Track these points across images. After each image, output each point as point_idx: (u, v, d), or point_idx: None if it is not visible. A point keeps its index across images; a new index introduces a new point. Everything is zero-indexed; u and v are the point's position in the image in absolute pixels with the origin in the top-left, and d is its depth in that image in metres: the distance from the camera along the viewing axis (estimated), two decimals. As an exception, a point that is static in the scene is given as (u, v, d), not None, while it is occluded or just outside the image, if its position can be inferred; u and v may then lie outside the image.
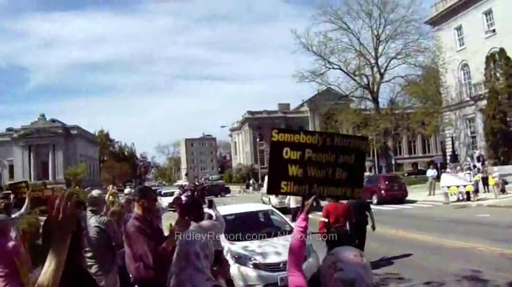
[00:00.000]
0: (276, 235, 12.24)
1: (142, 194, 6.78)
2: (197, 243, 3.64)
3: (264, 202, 32.93)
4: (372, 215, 15.18)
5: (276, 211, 14.46)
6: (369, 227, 14.86)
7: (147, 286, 6.16)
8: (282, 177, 3.70)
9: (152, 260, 5.97)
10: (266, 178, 28.46)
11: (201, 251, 3.61)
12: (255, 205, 16.11)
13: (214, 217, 8.33)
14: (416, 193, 41.28)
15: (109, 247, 7.66)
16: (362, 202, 14.95)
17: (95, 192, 8.75)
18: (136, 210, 6.75)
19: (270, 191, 3.97)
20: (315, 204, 3.87)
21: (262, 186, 43.56)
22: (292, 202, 23.79)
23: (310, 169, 3.76)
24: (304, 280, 3.43)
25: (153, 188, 29.98)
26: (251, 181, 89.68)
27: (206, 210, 8.76)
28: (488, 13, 56.85)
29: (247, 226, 12.20)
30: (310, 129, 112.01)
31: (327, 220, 12.89)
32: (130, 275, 6.73)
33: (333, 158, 3.80)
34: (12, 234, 8.28)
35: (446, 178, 35.78)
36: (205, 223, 7.25)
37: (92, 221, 7.77)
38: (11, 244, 7.24)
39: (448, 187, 34.44)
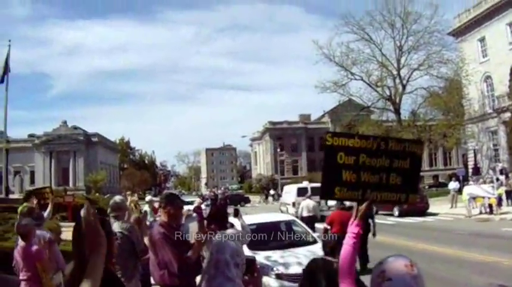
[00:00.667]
0: (298, 246, 12.19)
1: (169, 200, 6.74)
2: (228, 251, 3.60)
3: (282, 212, 32.70)
4: (375, 223, 16.62)
5: (299, 221, 14.39)
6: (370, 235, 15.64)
7: (171, 293, 6.11)
8: (335, 182, 3.59)
9: (177, 268, 5.91)
10: (285, 188, 29.11)
11: (231, 259, 3.58)
12: (277, 215, 16.08)
13: (238, 226, 8.30)
14: (437, 206, 40.99)
15: (132, 253, 7.59)
16: (345, 207, 15.19)
17: (118, 198, 8.71)
18: (162, 217, 6.72)
19: (323, 196, 3.82)
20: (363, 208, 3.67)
21: (281, 196, 42.80)
22: (304, 211, 23.59)
23: (364, 174, 3.67)
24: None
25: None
26: (271, 191, 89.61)
27: (230, 219, 8.72)
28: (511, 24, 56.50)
29: (269, 235, 12.10)
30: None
31: (329, 227, 13.26)
32: (153, 282, 6.67)
33: (387, 163, 3.71)
34: (46, 235, 8.31)
35: (471, 188, 35.53)
36: (230, 231, 7.20)
37: (115, 227, 7.73)
38: (34, 248, 7.25)
39: (474, 198, 34.19)
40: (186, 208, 8.67)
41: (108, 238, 3.84)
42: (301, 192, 38.02)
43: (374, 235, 15.99)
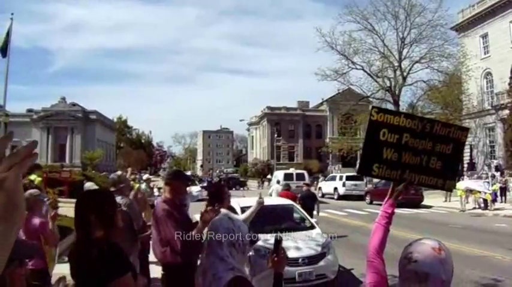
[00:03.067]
0: (296, 230, 12.21)
1: (174, 177, 6.72)
2: (221, 230, 3.59)
3: (270, 195, 33.27)
4: (318, 205, 19.12)
5: (297, 206, 14.41)
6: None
7: (173, 271, 6.10)
8: (375, 159, 3.57)
9: (180, 246, 5.90)
10: (274, 173, 31.02)
11: (225, 238, 3.56)
12: (277, 199, 16.05)
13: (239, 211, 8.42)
14: (432, 199, 41.02)
15: (131, 229, 7.56)
16: (310, 193, 19.96)
17: (118, 172, 8.74)
18: (166, 193, 6.61)
19: (361, 172, 3.79)
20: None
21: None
22: (274, 193, 24.04)
23: (406, 154, 3.63)
24: (384, 267, 3.30)
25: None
26: (268, 176, 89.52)
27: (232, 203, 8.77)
28: (515, 22, 56.48)
29: (267, 219, 12.08)
30: (328, 127, 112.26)
31: None
32: (153, 259, 6.67)
33: (429, 146, 3.65)
34: (44, 208, 8.29)
35: (467, 182, 35.65)
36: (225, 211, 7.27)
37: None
38: (38, 220, 7.24)
39: (471, 191, 34.30)
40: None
41: (111, 209, 3.99)
42: (288, 177, 42.62)
43: (317, 212, 18.98)
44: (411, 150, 3.63)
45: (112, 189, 8.06)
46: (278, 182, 28.44)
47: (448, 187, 3.86)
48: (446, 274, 2.51)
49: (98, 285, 3.45)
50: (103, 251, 3.56)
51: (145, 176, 20.82)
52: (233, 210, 8.27)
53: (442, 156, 3.71)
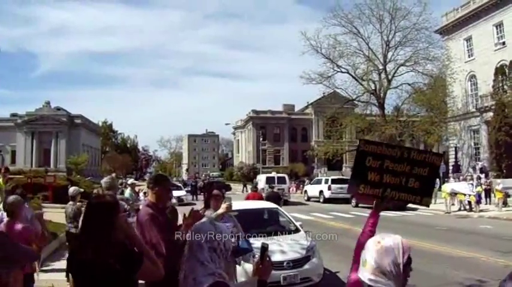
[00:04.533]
0: (281, 234, 12.24)
1: (157, 181, 6.75)
2: (202, 234, 3.61)
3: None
4: (281, 204, 19.47)
5: (282, 209, 14.43)
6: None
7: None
8: (361, 181, 4.31)
9: (165, 249, 5.93)
10: (257, 176, 33.40)
11: (206, 243, 3.57)
12: (261, 203, 16.08)
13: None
14: (417, 201, 41.21)
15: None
16: (274, 194, 22.74)
17: (109, 177, 8.83)
18: (150, 197, 6.70)
19: (350, 191, 4.70)
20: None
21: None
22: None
23: (387, 176, 4.33)
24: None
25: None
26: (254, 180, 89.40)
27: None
28: (498, 25, 56.89)
29: (252, 222, 12.08)
30: (313, 131, 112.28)
31: None
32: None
33: (408, 169, 4.32)
34: (29, 214, 8.28)
35: (452, 185, 35.78)
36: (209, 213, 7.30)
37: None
38: (19, 226, 7.23)
39: (455, 194, 34.45)
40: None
41: (116, 212, 4.25)
42: (269, 180, 45.21)
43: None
44: (391, 172, 4.32)
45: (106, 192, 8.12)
46: (270, 187, 30.85)
47: (424, 202, 4.48)
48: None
49: (128, 278, 4.01)
50: (127, 249, 4.10)
51: (130, 181, 20.83)
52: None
53: (419, 177, 4.36)
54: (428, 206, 4.51)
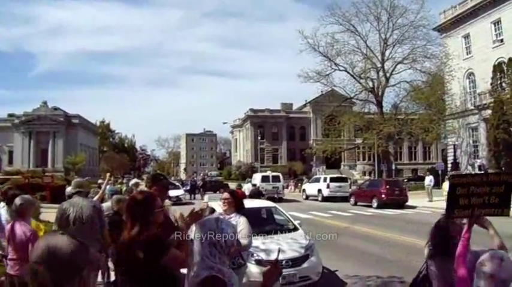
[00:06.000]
0: (279, 233, 12.22)
1: (155, 180, 6.70)
2: (203, 230, 3.64)
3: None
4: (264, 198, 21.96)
5: (280, 208, 14.38)
6: None
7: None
8: (455, 206, 5.04)
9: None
10: (253, 175, 35.33)
11: (205, 238, 3.61)
12: (259, 201, 16.04)
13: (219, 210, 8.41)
14: (416, 199, 41.24)
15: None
16: (256, 191, 26.25)
17: (134, 180, 8.96)
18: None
19: (447, 215, 5.27)
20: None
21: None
22: (246, 191, 26.52)
23: (473, 198, 5.08)
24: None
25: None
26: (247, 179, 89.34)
27: (212, 203, 8.77)
28: (496, 23, 56.94)
29: (250, 221, 12.08)
30: (311, 129, 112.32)
31: None
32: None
33: (488, 190, 5.06)
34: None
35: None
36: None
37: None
38: (29, 232, 7.18)
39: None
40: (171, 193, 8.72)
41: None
42: (265, 179, 48.90)
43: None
44: (476, 195, 5.06)
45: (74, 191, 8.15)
46: (253, 184, 35.04)
47: (505, 213, 5.19)
48: None
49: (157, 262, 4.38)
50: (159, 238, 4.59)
51: (133, 181, 20.87)
52: (213, 211, 8.27)
53: (498, 194, 5.09)
54: (508, 215, 5.20)
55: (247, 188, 33.53)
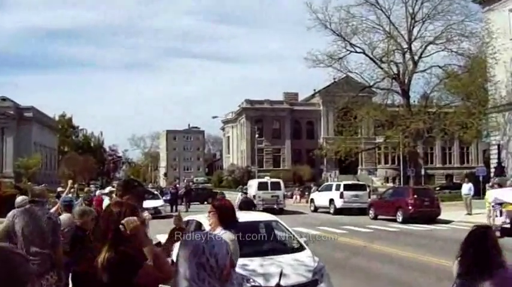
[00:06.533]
0: (281, 252, 12.21)
1: (127, 188, 6.67)
2: (188, 247, 3.63)
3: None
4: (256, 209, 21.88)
5: (282, 222, 14.39)
6: None
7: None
8: None
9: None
10: (249, 182, 35.22)
11: (193, 257, 3.59)
12: (256, 214, 16.04)
13: (206, 226, 8.38)
14: (451, 212, 41.25)
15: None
16: (247, 200, 25.76)
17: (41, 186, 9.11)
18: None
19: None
20: None
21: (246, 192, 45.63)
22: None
23: None
24: None
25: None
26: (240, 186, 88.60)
27: (198, 217, 8.75)
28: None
29: (245, 239, 12.04)
30: (321, 125, 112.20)
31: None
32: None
33: None
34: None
35: (497, 192, 35.53)
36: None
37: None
38: None
39: (500, 204, 34.23)
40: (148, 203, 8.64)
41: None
42: (262, 186, 48.45)
43: None
44: None
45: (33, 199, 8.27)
46: (244, 193, 34.55)
47: None
48: None
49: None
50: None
51: (107, 189, 20.99)
52: (200, 227, 8.26)
53: None
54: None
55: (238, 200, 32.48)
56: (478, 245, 4.97)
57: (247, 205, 23.60)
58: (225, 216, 7.87)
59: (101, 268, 4.39)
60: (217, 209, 7.87)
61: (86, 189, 33.18)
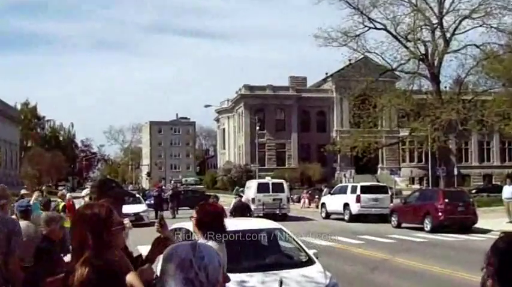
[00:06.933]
0: (286, 267, 12.19)
1: (103, 189, 6.65)
2: (174, 260, 3.63)
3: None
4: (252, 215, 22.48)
5: (287, 231, 14.38)
6: None
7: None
8: None
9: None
10: (247, 183, 35.50)
11: (180, 272, 3.60)
12: (257, 221, 16.04)
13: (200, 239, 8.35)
14: (489, 219, 41.20)
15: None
16: (241, 204, 25.60)
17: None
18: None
19: None
20: None
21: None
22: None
23: None
24: None
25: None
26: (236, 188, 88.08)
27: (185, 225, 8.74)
28: None
29: (244, 250, 12.05)
30: (334, 115, 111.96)
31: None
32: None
33: None
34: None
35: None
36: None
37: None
38: None
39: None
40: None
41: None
42: (262, 188, 48.01)
43: None
44: None
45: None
46: (238, 195, 32.61)
47: None
48: None
49: None
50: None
51: (84, 192, 21.01)
52: (190, 236, 8.23)
53: None
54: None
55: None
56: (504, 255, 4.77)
57: (242, 210, 23.95)
58: (206, 222, 7.38)
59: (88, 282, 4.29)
60: (197, 213, 7.55)
61: (59, 193, 32.96)
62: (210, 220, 7.42)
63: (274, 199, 47.93)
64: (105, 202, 6.37)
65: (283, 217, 44.85)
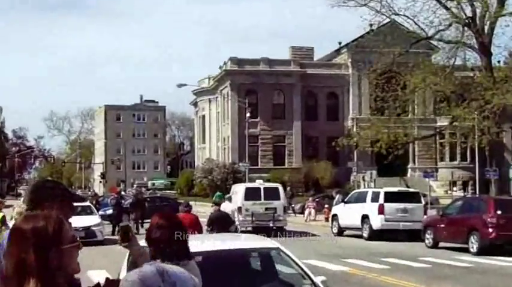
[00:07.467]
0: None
1: (41, 194, 6.48)
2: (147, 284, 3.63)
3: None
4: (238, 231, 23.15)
5: (287, 251, 14.35)
6: None
7: None
8: None
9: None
10: (233, 187, 36.07)
11: None
12: (247, 239, 16.02)
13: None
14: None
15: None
16: (220, 215, 25.18)
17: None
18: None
19: None
20: None
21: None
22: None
23: None
24: None
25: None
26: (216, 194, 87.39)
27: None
28: None
29: (228, 279, 12.06)
30: (350, 98, 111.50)
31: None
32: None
33: None
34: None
35: None
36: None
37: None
38: None
39: None
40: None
41: None
42: (251, 194, 48.13)
43: None
44: None
45: None
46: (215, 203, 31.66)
47: None
48: None
49: None
50: None
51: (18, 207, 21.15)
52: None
53: None
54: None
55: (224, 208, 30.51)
56: None
57: (221, 222, 22.78)
58: (157, 239, 6.66)
59: None
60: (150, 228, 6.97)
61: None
62: (163, 237, 6.68)
63: (266, 209, 47.59)
64: (51, 211, 6.31)
65: (278, 232, 43.97)
